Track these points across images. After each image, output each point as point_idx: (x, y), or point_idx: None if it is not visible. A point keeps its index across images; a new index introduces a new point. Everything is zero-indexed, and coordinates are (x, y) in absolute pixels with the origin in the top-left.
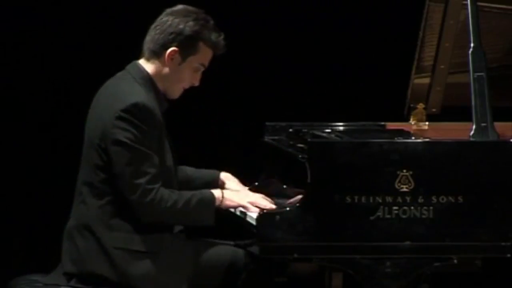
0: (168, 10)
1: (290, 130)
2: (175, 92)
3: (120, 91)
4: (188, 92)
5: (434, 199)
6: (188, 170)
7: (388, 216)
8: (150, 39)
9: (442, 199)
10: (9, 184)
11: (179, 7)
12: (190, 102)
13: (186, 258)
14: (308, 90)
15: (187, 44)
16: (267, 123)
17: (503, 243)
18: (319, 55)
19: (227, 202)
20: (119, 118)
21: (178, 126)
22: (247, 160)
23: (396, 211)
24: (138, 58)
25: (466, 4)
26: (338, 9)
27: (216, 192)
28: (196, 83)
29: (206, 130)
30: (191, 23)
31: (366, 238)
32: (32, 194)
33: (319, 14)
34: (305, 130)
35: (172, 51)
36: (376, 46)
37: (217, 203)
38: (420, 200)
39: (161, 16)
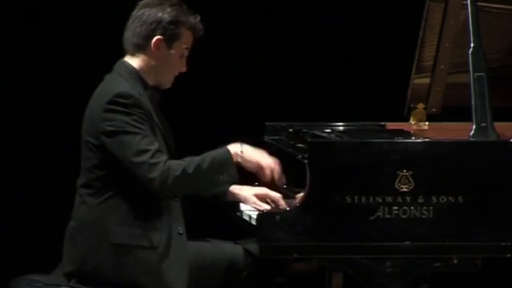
0: (141, 3)
1: (290, 130)
2: (168, 81)
3: (105, 88)
4: (188, 92)
5: (434, 199)
6: None
7: (388, 216)
8: (131, 34)
9: (442, 199)
10: (9, 184)
11: None
12: (190, 102)
13: (187, 253)
14: (308, 90)
15: (170, 31)
16: (267, 123)
17: (503, 243)
18: (319, 55)
19: (247, 158)
20: (106, 110)
21: (177, 126)
22: None
23: (396, 211)
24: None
25: (466, 4)
26: (338, 9)
27: (233, 148)
28: (184, 69)
29: (206, 130)
30: (168, 9)
31: (366, 238)
32: (32, 195)
33: (319, 14)
34: (305, 130)
35: (157, 40)
36: (376, 46)
37: (236, 158)
38: (420, 200)
39: (135, 11)
